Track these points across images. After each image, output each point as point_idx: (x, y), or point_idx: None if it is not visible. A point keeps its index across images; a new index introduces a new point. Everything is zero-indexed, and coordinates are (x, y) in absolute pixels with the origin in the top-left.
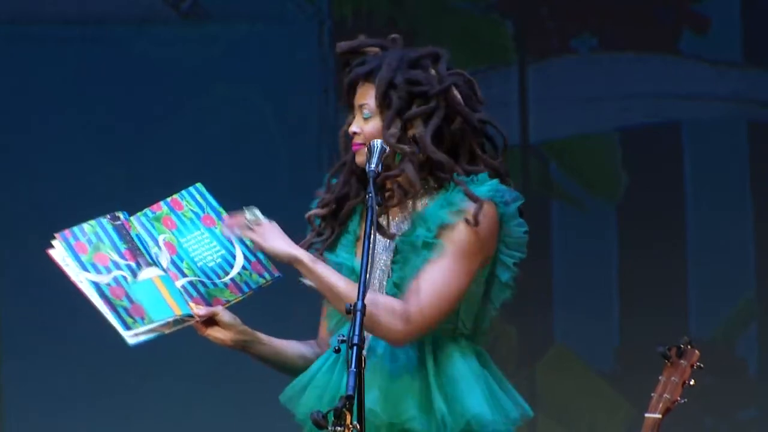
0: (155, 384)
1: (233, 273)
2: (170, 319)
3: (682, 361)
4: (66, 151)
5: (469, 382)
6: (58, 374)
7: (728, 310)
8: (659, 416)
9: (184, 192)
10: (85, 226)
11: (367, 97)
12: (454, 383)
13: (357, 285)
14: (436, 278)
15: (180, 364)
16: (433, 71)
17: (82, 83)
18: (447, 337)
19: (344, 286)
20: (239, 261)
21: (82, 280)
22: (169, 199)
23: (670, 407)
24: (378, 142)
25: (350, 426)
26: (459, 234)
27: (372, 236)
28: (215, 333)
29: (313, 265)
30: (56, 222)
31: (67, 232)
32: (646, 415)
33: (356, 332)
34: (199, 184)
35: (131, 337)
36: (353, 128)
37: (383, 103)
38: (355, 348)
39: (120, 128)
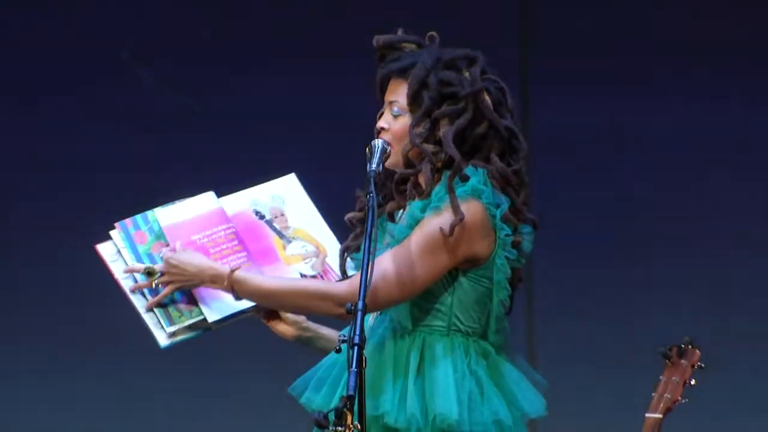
0: (155, 380)
1: None
2: (223, 316)
3: (682, 361)
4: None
5: (445, 381)
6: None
7: (727, 310)
8: (660, 416)
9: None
10: (149, 213)
11: (398, 94)
12: (431, 381)
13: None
14: (388, 265)
15: (181, 361)
16: (466, 73)
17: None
18: (438, 333)
19: (278, 286)
20: None
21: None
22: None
23: (670, 407)
24: (379, 142)
25: (351, 426)
26: (428, 227)
27: (373, 235)
28: (278, 326)
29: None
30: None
31: (128, 221)
32: (647, 414)
33: (357, 332)
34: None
35: (167, 337)
36: (381, 123)
37: (414, 101)
38: (356, 348)
39: (121, 128)
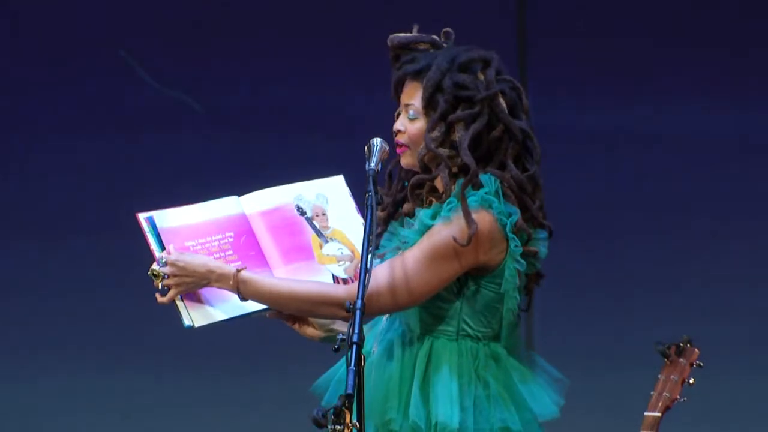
0: (156, 379)
1: None
2: (234, 316)
3: (681, 360)
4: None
5: (449, 387)
6: (57, 372)
7: (727, 309)
8: (659, 414)
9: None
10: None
11: (413, 97)
12: (435, 388)
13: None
14: (395, 271)
15: (183, 359)
16: (482, 76)
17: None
18: (447, 338)
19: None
20: None
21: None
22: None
23: (669, 405)
24: (378, 141)
25: (349, 425)
26: (437, 236)
27: (372, 235)
28: (305, 329)
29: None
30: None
31: (155, 214)
32: (646, 413)
33: (355, 331)
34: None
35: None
36: (397, 126)
37: (429, 105)
38: (354, 347)
39: (121, 127)
